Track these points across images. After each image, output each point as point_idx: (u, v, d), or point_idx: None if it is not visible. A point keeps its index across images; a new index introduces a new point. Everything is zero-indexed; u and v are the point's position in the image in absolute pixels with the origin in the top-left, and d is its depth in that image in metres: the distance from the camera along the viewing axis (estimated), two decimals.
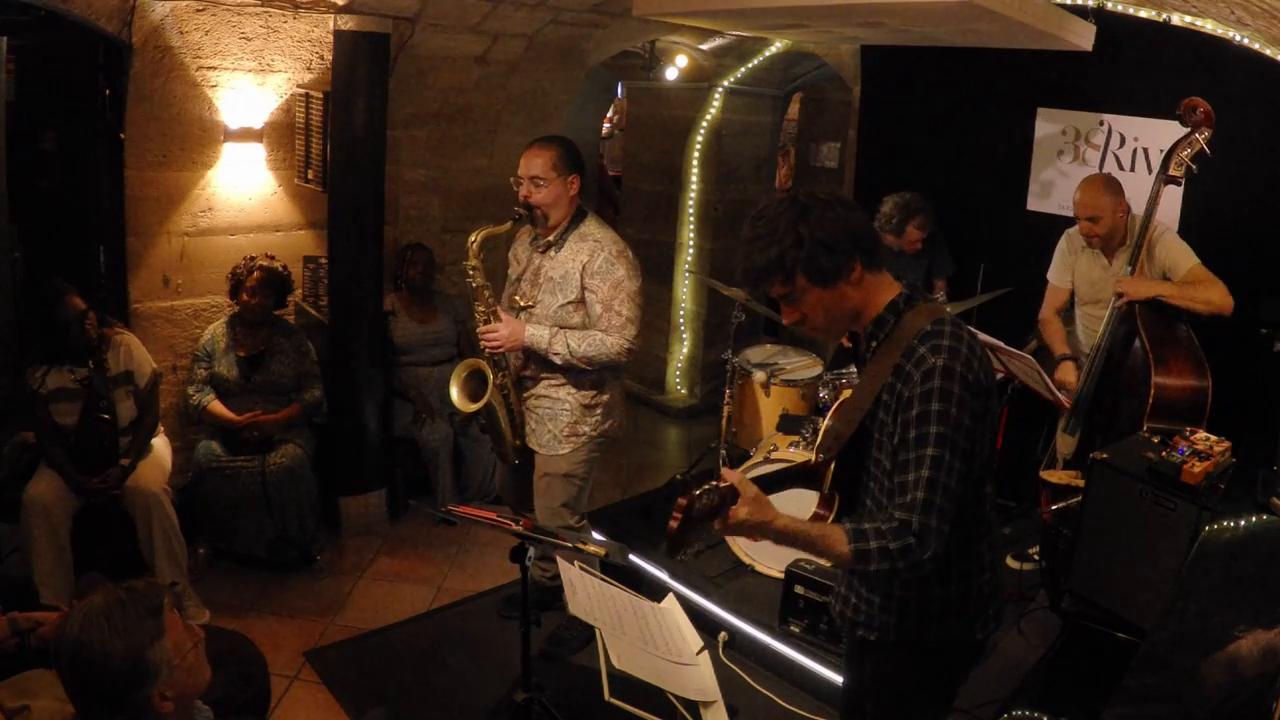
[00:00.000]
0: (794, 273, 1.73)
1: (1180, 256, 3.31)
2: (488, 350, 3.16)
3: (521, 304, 3.21)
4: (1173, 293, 3.25)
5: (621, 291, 3.09)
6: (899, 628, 1.86)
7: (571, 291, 3.11)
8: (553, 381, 3.21)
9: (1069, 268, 3.65)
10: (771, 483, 1.86)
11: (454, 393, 3.26)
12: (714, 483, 1.65)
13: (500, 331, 3.11)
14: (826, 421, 1.94)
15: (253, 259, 3.98)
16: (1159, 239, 3.35)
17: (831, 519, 1.87)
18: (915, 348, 1.71)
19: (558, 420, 3.22)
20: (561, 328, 3.11)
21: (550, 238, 3.15)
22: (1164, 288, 3.27)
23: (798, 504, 1.84)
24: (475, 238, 3.15)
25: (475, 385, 3.25)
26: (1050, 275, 3.72)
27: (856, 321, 1.82)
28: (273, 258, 4.03)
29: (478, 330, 3.18)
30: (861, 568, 1.67)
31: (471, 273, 3.15)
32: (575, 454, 3.24)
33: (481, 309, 3.17)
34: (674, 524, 1.58)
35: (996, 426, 1.79)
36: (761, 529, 1.68)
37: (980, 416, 1.70)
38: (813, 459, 1.89)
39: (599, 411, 3.25)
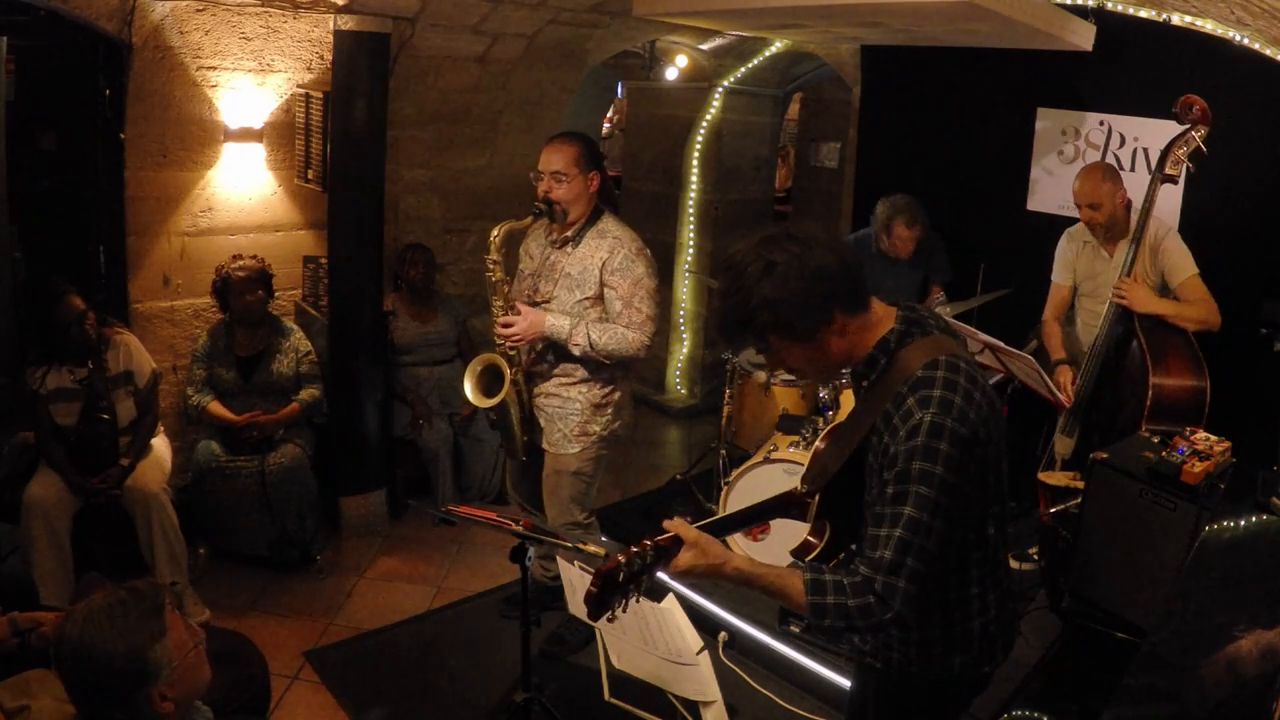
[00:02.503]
0: (766, 334, 1.64)
1: (1181, 263, 3.31)
2: (504, 345, 3.14)
3: (537, 300, 3.18)
4: (1170, 312, 3.27)
5: (642, 289, 3.08)
6: (902, 661, 1.82)
7: (590, 287, 3.09)
8: (564, 380, 3.19)
9: (1069, 265, 3.66)
10: (752, 515, 1.84)
11: (468, 387, 3.23)
12: (647, 543, 1.59)
13: (519, 324, 3.08)
14: (817, 445, 1.87)
15: (223, 267, 3.93)
16: (1162, 240, 3.34)
17: (822, 547, 1.81)
18: (904, 397, 1.60)
19: (568, 420, 3.21)
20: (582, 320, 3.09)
21: (569, 233, 3.13)
22: (1164, 307, 3.28)
23: (786, 533, 1.81)
24: (498, 232, 3.12)
25: (490, 380, 3.23)
26: (1053, 275, 3.72)
27: (848, 363, 1.72)
28: (239, 256, 3.99)
29: (496, 323, 3.15)
30: (817, 620, 1.60)
31: (492, 266, 3.12)
32: (584, 452, 3.23)
33: (500, 303, 3.14)
34: (592, 590, 1.53)
35: (1002, 466, 1.70)
36: (713, 573, 1.62)
37: (974, 467, 1.61)
38: (798, 488, 1.83)
39: (609, 411, 3.24)
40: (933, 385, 1.59)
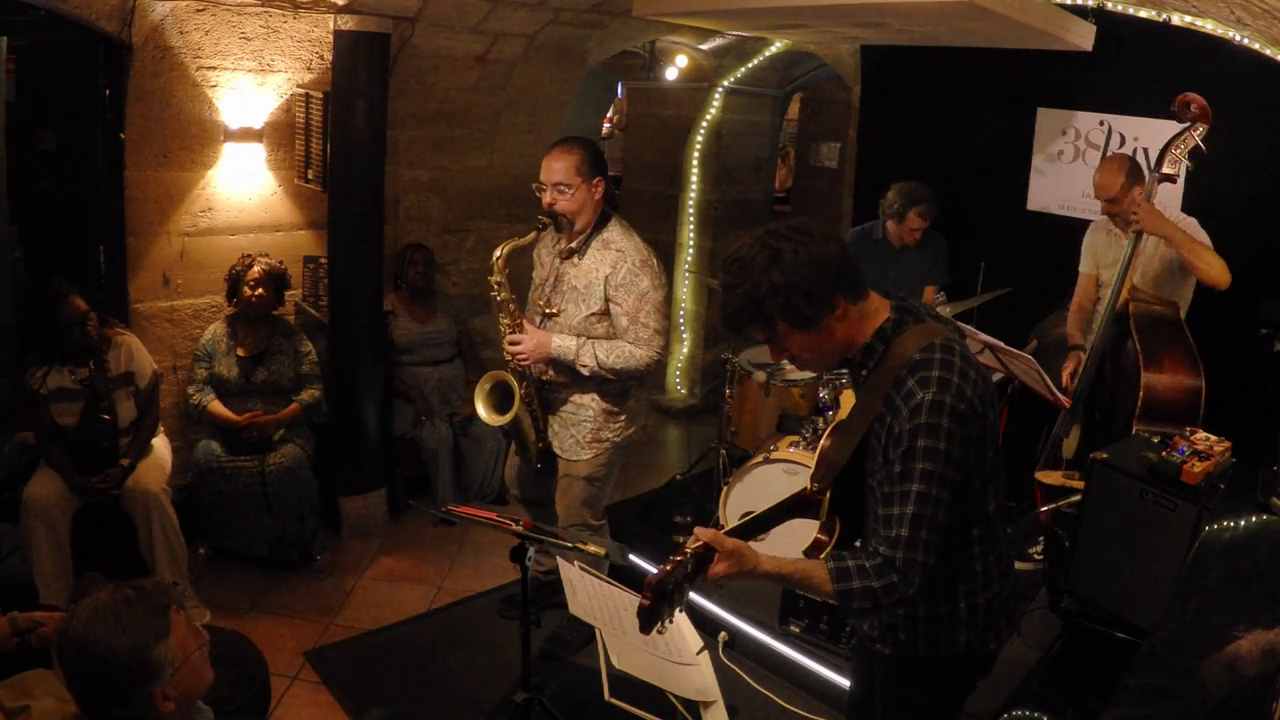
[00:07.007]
0: (773, 320, 1.69)
1: (1191, 224, 3.32)
2: (513, 363, 3.13)
3: (547, 311, 3.15)
4: (1180, 239, 3.21)
5: (647, 303, 3.03)
6: (910, 644, 1.86)
7: (595, 302, 3.05)
8: (578, 388, 3.17)
9: (1094, 253, 3.67)
10: (769, 518, 1.87)
11: (479, 406, 3.22)
12: (685, 550, 1.64)
13: (526, 344, 3.05)
14: (822, 444, 1.91)
15: (249, 256, 3.97)
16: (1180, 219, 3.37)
17: (833, 545, 1.84)
18: (904, 379, 1.67)
19: (581, 427, 3.19)
20: (588, 338, 3.06)
21: (574, 244, 3.09)
22: (1175, 231, 3.22)
23: (793, 532, 1.85)
24: (500, 252, 3.07)
25: (500, 398, 3.21)
26: (1080, 265, 3.73)
27: (848, 351, 1.78)
28: (267, 256, 4.01)
29: (504, 342, 3.12)
30: (844, 605, 1.67)
31: (496, 287, 3.08)
32: (597, 459, 3.21)
33: (506, 321, 3.11)
34: (645, 602, 1.57)
35: (997, 442, 1.77)
36: (746, 577, 1.69)
37: (974, 442, 1.67)
38: (808, 488, 1.87)
39: (622, 418, 3.22)
40: (931, 366, 1.66)
